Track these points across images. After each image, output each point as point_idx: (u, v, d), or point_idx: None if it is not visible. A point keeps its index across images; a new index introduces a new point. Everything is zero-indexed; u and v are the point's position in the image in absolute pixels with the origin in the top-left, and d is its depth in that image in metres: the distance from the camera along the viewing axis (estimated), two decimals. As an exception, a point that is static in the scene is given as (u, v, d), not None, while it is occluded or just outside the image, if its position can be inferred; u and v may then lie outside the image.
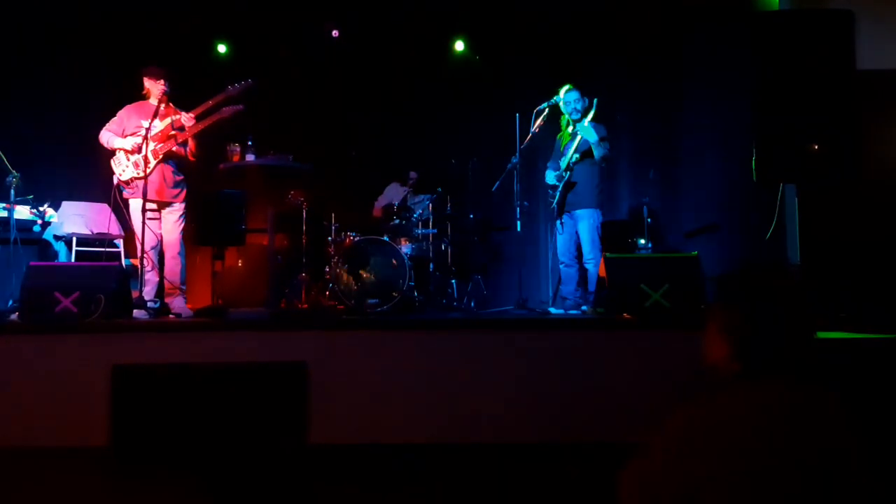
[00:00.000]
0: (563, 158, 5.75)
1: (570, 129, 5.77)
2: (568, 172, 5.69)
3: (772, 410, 1.48)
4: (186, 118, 5.23)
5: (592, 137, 5.53)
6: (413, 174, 6.94)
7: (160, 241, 5.35)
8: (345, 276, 5.66)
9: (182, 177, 5.44)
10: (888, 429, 3.05)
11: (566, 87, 5.76)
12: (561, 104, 5.75)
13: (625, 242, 6.11)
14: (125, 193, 5.30)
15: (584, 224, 5.67)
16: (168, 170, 5.32)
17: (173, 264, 5.36)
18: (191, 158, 5.40)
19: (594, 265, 5.53)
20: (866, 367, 3.70)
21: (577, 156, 5.67)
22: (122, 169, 5.23)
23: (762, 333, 1.57)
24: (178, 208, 5.40)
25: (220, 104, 5.30)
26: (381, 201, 6.96)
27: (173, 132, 5.25)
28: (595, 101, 5.59)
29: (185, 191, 5.45)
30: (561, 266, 5.87)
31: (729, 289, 1.66)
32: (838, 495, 1.42)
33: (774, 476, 1.42)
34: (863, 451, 1.47)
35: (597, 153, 5.59)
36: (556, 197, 5.76)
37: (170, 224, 5.37)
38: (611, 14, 6.91)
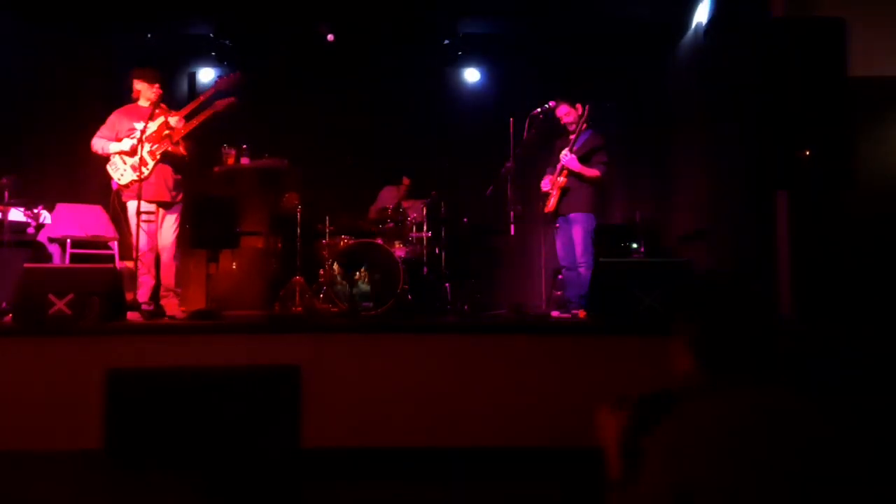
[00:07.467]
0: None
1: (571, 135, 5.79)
2: (562, 178, 5.71)
3: (740, 417, 1.50)
4: (175, 121, 5.21)
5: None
6: (406, 179, 6.95)
7: (156, 244, 5.34)
8: (339, 280, 5.67)
9: (180, 177, 5.43)
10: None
11: (557, 103, 5.80)
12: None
13: (618, 247, 6.12)
14: (124, 197, 5.28)
15: (578, 228, 5.71)
16: (167, 171, 5.31)
17: (168, 267, 5.35)
18: (185, 157, 5.38)
19: (586, 269, 5.56)
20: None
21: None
22: (121, 174, 5.19)
23: (722, 344, 1.60)
24: (176, 209, 5.40)
25: (211, 98, 5.30)
26: (377, 206, 6.95)
27: (167, 132, 5.23)
28: (587, 107, 5.63)
29: (182, 192, 5.45)
30: (563, 269, 5.92)
31: (687, 302, 1.68)
32: (816, 492, 1.43)
33: (752, 480, 1.43)
34: (838, 447, 1.48)
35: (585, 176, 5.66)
36: (551, 201, 5.79)
37: (168, 226, 5.36)
38: (605, 22, 6.93)
